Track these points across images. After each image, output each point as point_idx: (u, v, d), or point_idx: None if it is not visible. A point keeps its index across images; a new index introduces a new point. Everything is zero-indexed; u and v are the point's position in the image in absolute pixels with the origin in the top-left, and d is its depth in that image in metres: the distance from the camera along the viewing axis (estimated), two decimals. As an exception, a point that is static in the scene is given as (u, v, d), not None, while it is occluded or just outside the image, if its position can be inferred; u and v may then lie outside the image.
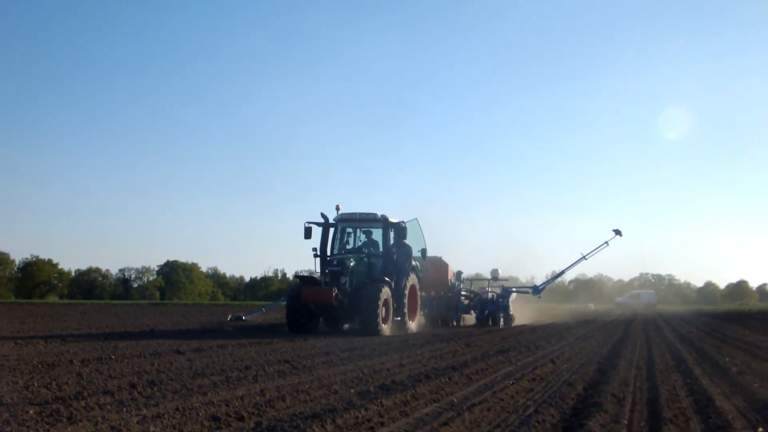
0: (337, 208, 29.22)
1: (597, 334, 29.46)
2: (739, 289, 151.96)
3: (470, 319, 38.07)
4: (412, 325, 29.71)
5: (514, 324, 37.37)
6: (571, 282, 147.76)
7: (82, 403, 9.29)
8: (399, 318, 28.39)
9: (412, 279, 29.54)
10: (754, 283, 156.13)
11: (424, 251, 31.50)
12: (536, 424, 8.49)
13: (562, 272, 45.26)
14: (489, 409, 9.47)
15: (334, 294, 25.36)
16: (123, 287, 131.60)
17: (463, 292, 38.36)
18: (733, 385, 12.75)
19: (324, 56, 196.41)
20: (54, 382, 11.25)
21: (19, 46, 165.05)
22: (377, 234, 29.93)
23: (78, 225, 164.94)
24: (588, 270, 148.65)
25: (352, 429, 7.92)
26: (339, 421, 8.19)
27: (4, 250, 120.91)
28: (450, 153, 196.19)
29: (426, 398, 10.32)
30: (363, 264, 28.31)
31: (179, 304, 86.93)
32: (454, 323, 36.73)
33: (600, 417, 8.84)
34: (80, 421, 8.14)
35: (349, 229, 30.51)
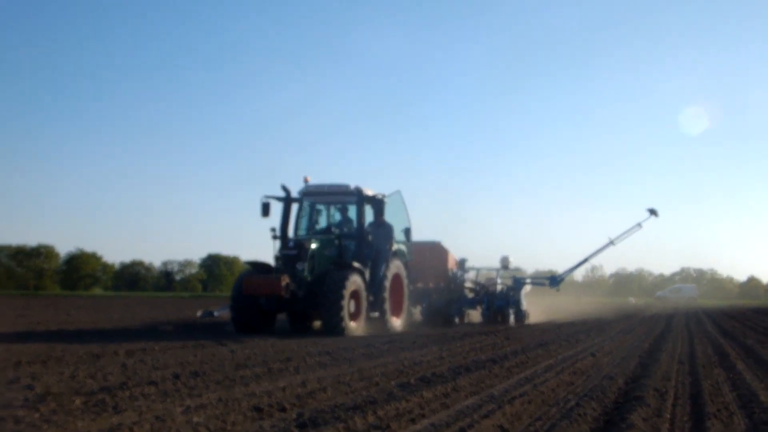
0: (305, 180, 23.96)
1: (638, 328, 29.24)
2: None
3: (476, 315, 32.30)
4: (396, 323, 24.27)
5: (528, 321, 31.87)
6: (611, 276, 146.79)
7: (127, 393, 9.38)
8: (378, 314, 23.29)
9: (396, 266, 24.22)
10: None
11: (407, 231, 25.83)
12: (578, 417, 8.42)
13: (586, 259, 35.31)
14: (530, 402, 9.43)
15: (283, 283, 20.09)
16: (166, 280, 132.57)
17: (467, 284, 32.39)
18: (777, 379, 12.57)
19: (328, 48, 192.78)
20: (99, 373, 11.37)
21: (63, 39, 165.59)
22: (354, 211, 24.29)
23: (122, 218, 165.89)
24: (628, 264, 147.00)
25: (393, 420, 7.91)
26: (380, 413, 8.20)
27: (50, 243, 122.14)
28: (470, 139, 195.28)
29: (466, 391, 10.29)
30: (330, 247, 22.77)
31: (221, 297, 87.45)
32: (457, 320, 30.63)
33: (642, 411, 8.76)
34: (125, 410, 8.21)
35: (321, 206, 25.08)
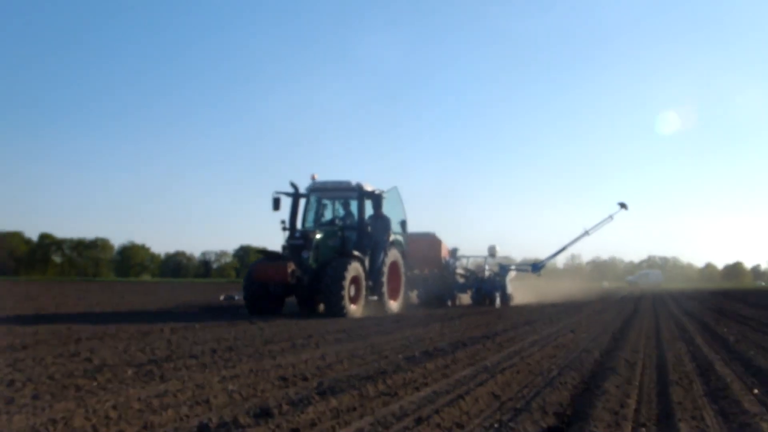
0: (313, 178, 23.23)
1: (611, 308, 29.27)
2: (735, 269, 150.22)
3: (466, 298, 31.57)
4: (394, 306, 23.40)
5: (513, 304, 31.25)
6: (588, 263, 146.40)
7: (171, 365, 9.41)
8: (376, 297, 22.42)
9: (394, 255, 23.40)
10: (748, 264, 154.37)
11: (403, 223, 25.12)
12: (559, 385, 8.43)
13: (564, 248, 34.41)
14: (518, 372, 9.43)
15: (289, 270, 19.66)
16: (204, 268, 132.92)
17: (459, 271, 31.72)
18: (731, 352, 12.61)
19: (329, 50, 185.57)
20: (147, 347, 11.41)
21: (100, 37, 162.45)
22: (356, 205, 23.50)
23: (167, 214, 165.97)
24: (603, 252, 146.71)
25: (401, 389, 7.92)
26: (389, 382, 8.20)
27: (106, 236, 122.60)
28: (460, 138, 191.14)
29: (463, 362, 10.30)
30: (334, 237, 22.28)
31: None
32: (449, 303, 30.12)
33: (615, 379, 8.78)
34: (170, 380, 8.23)
35: (326, 201, 24.29)
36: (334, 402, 6.89)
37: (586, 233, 33.26)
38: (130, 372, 8.75)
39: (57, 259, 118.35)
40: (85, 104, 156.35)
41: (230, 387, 7.71)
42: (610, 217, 32.86)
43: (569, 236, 34.71)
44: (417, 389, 7.98)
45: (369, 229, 22.77)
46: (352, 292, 20.44)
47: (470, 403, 7.11)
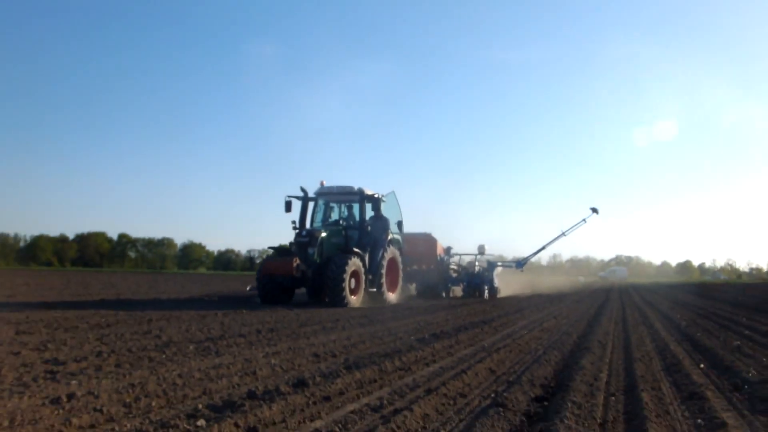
0: (321, 184, 22.11)
1: (586, 299, 29.16)
2: (685, 266, 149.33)
3: (459, 291, 30.03)
4: (392, 297, 22.05)
5: (499, 296, 29.58)
6: (567, 261, 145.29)
7: (224, 342, 9.44)
8: (375, 289, 21.12)
9: (392, 252, 22.12)
10: (696, 262, 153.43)
11: (400, 223, 23.31)
12: (544, 361, 8.40)
13: (543, 247, 32.50)
14: (510, 351, 9.39)
15: (294, 264, 18.69)
16: (249, 263, 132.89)
17: (452, 266, 30.25)
18: (682, 335, 12.61)
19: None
20: (205, 327, 11.45)
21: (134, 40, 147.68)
22: (358, 208, 22.38)
23: (219, 216, 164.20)
24: (579, 252, 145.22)
25: (413, 365, 7.89)
26: (404, 359, 8.18)
27: (171, 235, 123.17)
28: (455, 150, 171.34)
29: (465, 343, 10.27)
30: (338, 236, 21.06)
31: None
32: (444, 295, 28.61)
33: (590, 357, 8.73)
34: (223, 354, 8.26)
35: (334, 204, 22.95)
36: (358, 375, 6.89)
37: (563, 234, 31.56)
38: (191, 347, 8.79)
39: (132, 254, 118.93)
40: (161, 121, 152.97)
41: (272, 361, 7.72)
42: (584, 220, 31.44)
43: (548, 237, 33.99)
44: (427, 365, 7.96)
45: (369, 228, 21.60)
46: (353, 284, 19.42)
47: (471, 376, 7.08)
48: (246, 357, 8.04)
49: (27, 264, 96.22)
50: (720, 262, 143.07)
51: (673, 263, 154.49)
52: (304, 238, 19.73)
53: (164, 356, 7.93)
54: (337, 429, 4.84)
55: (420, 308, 18.83)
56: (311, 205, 22.04)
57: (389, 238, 21.81)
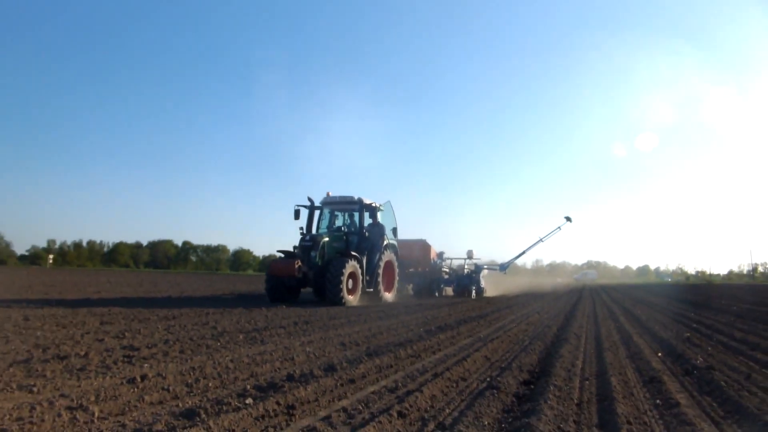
0: (327, 195, 20.74)
1: (563, 297, 28.84)
2: (644, 269, 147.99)
3: (450, 291, 28.60)
4: (388, 296, 20.57)
5: (485, 295, 28.15)
6: (548, 264, 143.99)
7: (267, 332, 9.40)
8: (372, 290, 19.59)
9: (389, 255, 20.59)
10: (653, 266, 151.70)
11: (395, 230, 21.60)
12: (530, 350, 8.28)
13: (523, 252, 30.99)
14: (502, 342, 9.27)
15: (297, 266, 17.34)
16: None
17: (444, 269, 28.61)
18: (643, 328, 12.42)
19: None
20: (252, 320, 11.44)
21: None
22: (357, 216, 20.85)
23: (266, 226, 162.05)
24: (557, 257, 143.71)
25: (422, 352, 7.82)
26: (414, 347, 8.09)
27: (225, 243, 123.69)
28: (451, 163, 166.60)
29: (465, 334, 10.16)
30: (339, 241, 19.49)
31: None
32: (437, 294, 27.16)
33: (567, 347, 8.60)
34: (267, 343, 8.22)
35: (338, 212, 21.24)
36: (377, 361, 6.83)
37: (540, 240, 30.14)
38: (241, 336, 8.76)
39: (193, 258, 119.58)
40: (219, 145, 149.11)
41: (307, 349, 7.67)
42: (559, 227, 30.03)
43: (528, 243, 32.54)
44: (433, 353, 7.87)
45: (367, 234, 19.99)
46: (350, 285, 17.89)
47: (470, 363, 6.99)
48: (285, 345, 8.00)
49: (109, 265, 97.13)
50: (672, 266, 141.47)
51: (634, 267, 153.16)
52: (308, 242, 18.29)
53: (219, 344, 7.90)
54: (361, 407, 4.79)
55: (427, 305, 18.69)
56: (318, 213, 20.68)
57: (385, 243, 20.32)
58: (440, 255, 28.76)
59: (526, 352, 8.15)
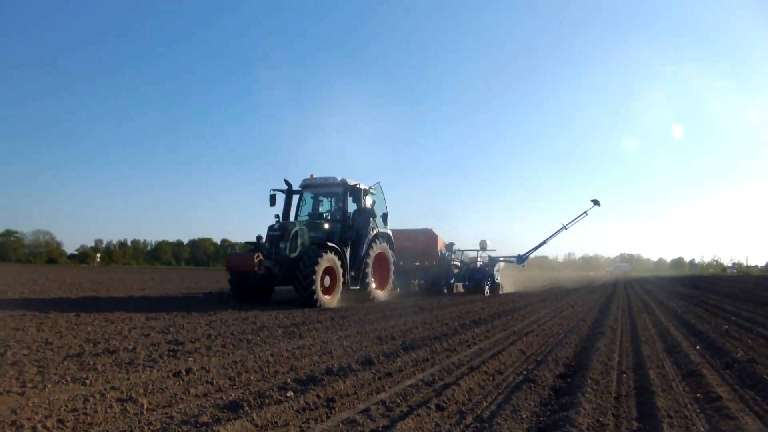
0: (311, 177, 17.07)
1: (597, 290, 28.37)
2: (678, 262, 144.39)
3: (462, 287, 24.39)
4: (380, 295, 17.12)
5: (501, 292, 24.58)
6: (579, 258, 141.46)
7: (305, 327, 9.48)
8: (358, 287, 16.15)
9: (381, 247, 17.06)
10: (687, 258, 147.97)
11: (385, 216, 17.82)
12: (565, 344, 8.16)
13: (545, 241, 26.17)
14: (537, 335, 9.17)
15: (256, 260, 13.83)
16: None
17: (454, 262, 24.54)
18: (679, 320, 12.15)
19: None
20: (290, 315, 11.55)
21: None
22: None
23: None
24: (590, 250, 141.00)
25: (457, 346, 7.78)
26: (450, 341, 8.06)
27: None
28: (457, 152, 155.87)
29: (499, 328, 10.08)
30: (318, 229, 15.63)
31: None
32: (445, 291, 23.09)
33: (603, 340, 8.45)
34: (305, 337, 8.29)
35: (323, 197, 17.37)
36: (413, 355, 6.82)
37: (564, 227, 25.75)
38: (280, 331, 8.85)
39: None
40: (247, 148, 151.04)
41: (344, 343, 7.70)
42: (585, 213, 25.84)
43: (549, 232, 28.09)
44: (469, 346, 7.82)
45: (350, 221, 16.41)
46: (327, 282, 14.61)
47: (506, 356, 6.93)
48: (323, 339, 8.05)
49: (152, 263, 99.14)
50: (707, 258, 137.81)
51: (668, 259, 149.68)
52: (276, 231, 14.83)
53: (259, 338, 8.00)
54: (398, 400, 4.78)
55: (461, 300, 18.60)
56: (298, 199, 17.18)
57: (375, 232, 16.94)
58: (449, 246, 24.90)
59: (561, 345, 8.03)
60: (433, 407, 4.47)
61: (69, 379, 5.17)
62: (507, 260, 26.19)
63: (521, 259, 25.84)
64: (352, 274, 16.04)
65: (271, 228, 15.05)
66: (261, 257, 14.10)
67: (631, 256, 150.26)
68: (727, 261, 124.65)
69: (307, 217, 16.78)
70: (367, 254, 16.41)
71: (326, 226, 16.00)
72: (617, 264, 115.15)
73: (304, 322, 10.18)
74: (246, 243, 15.92)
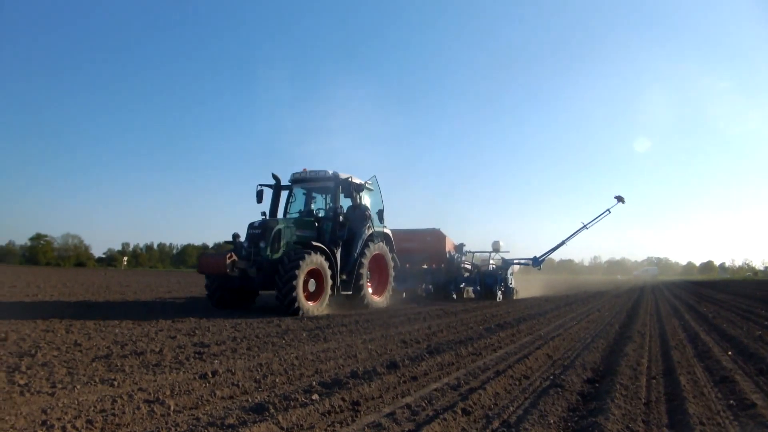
0: (304, 171, 15.27)
1: (624, 294, 27.94)
2: (707, 265, 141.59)
3: (472, 292, 22.55)
4: (378, 300, 15.37)
5: (516, 297, 22.68)
6: (606, 261, 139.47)
7: (330, 330, 9.47)
8: (350, 292, 14.39)
9: (378, 247, 15.28)
10: (717, 262, 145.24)
11: (380, 213, 15.82)
12: (593, 348, 8.03)
13: (563, 242, 24.05)
14: (563, 339, 9.05)
15: (228, 261, 12.35)
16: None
17: (465, 264, 22.61)
18: (710, 325, 11.88)
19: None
20: (315, 318, 11.57)
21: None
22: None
23: None
24: (616, 254, 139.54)
25: (483, 350, 7.71)
26: (475, 345, 7.99)
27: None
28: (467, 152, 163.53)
29: (525, 332, 9.97)
30: (306, 228, 14.09)
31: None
32: (454, 296, 21.11)
33: (631, 345, 8.30)
34: (330, 340, 8.29)
35: (316, 194, 15.68)
36: (439, 358, 6.77)
37: (585, 227, 23.79)
38: (305, 335, 8.86)
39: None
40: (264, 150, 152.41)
41: (369, 346, 7.68)
42: (608, 210, 23.93)
43: (568, 232, 26.99)
44: (494, 351, 7.74)
45: (341, 218, 14.55)
46: (312, 287, 12.95)
47: (532, 361, 6.84)
48: (348, 343, 8.04)
49: (178, 266, 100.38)
50: (738, 262, 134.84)
51: (697, 263, 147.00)
52: (256, 229, 13.37)
53: (284, 341, 8.02)
54: (424, 404, 4.75)
55: (486, 304, 18.45)
56: (287, 195, 15.72)
57: (372, 231, 15.24)
58: (459, 248, 23.17)
59: (588, 350, 7.90)
60: (459, 411, 4.43)
61: (97, 380, 5.23)
62: (522, 262, 24.29)
63: (537, 261, 23.94)
64: (344, 277, 14.36)
65: (251, 226, 13.54)
66: (234, 258, 12.59)
67: (659, 259, 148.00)
68: (759, 264, 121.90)
69: (297, 215, 15.27)
70: (362, 255, 14.70)
71: (316, 224, 14.55)
72: (644, 268, 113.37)
73: (328, 326, 10.19)
74: (225, 242, 14.52)
